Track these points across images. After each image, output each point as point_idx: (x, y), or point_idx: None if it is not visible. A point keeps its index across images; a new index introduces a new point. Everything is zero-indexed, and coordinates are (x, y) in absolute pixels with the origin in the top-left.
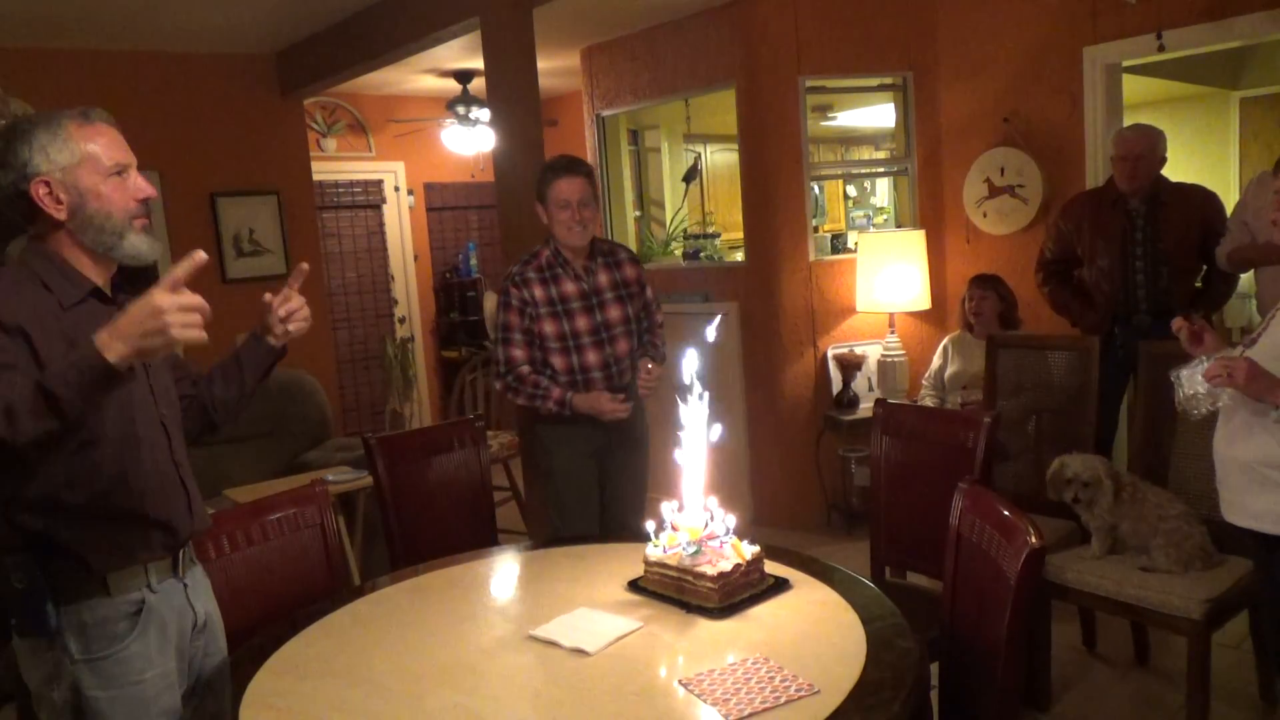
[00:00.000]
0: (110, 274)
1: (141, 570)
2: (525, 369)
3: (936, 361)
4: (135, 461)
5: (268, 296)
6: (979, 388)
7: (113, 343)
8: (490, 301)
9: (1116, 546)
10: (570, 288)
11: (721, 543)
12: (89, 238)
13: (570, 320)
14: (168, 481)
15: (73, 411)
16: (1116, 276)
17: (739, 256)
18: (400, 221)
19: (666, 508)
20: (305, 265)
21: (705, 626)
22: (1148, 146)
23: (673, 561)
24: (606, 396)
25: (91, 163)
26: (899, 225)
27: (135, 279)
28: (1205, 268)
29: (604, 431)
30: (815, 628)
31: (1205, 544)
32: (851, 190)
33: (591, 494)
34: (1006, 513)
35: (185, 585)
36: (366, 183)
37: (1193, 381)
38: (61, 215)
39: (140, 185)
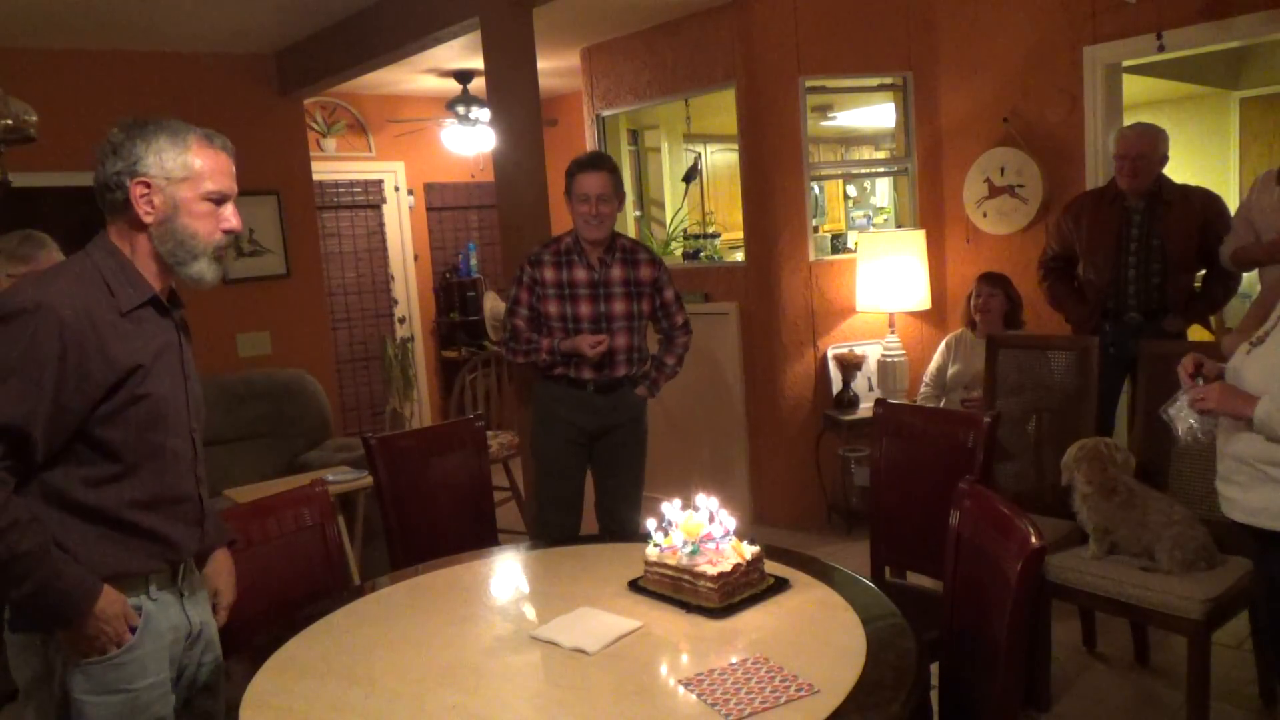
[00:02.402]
0: (168, 285)
1: (141, 580)
2: (523, 331)
3: (937, 360)
4: (158, 471)
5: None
6: (980, 387)
7: (98, 616)
8: (490, 301)
9: (1116, 547)
10: (581, 275)
11: (718, 544)
12: (166, 248)
13: (574, 305)
14: (185, 497)
15: (17, 588)
16: (1108, 273)
17: (739, 256)
18: (400, 221)
19: (667, 507)
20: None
21: (705, 626)
22: (1149, 145)
23: (673, 561)
24: (585, 339)
25: (197, 182)
26: (899, 225)
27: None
28: (1205, 269)
29: (587, 416)
30: (815, 628)
31: (1209, 545)
32: (851, 190)
33: (573, 483)
34: (1006, 513)
35: (182, 595)
36: (366, 183)
37: (1182, 415)
38: (149, 219)
39: (230, 217)
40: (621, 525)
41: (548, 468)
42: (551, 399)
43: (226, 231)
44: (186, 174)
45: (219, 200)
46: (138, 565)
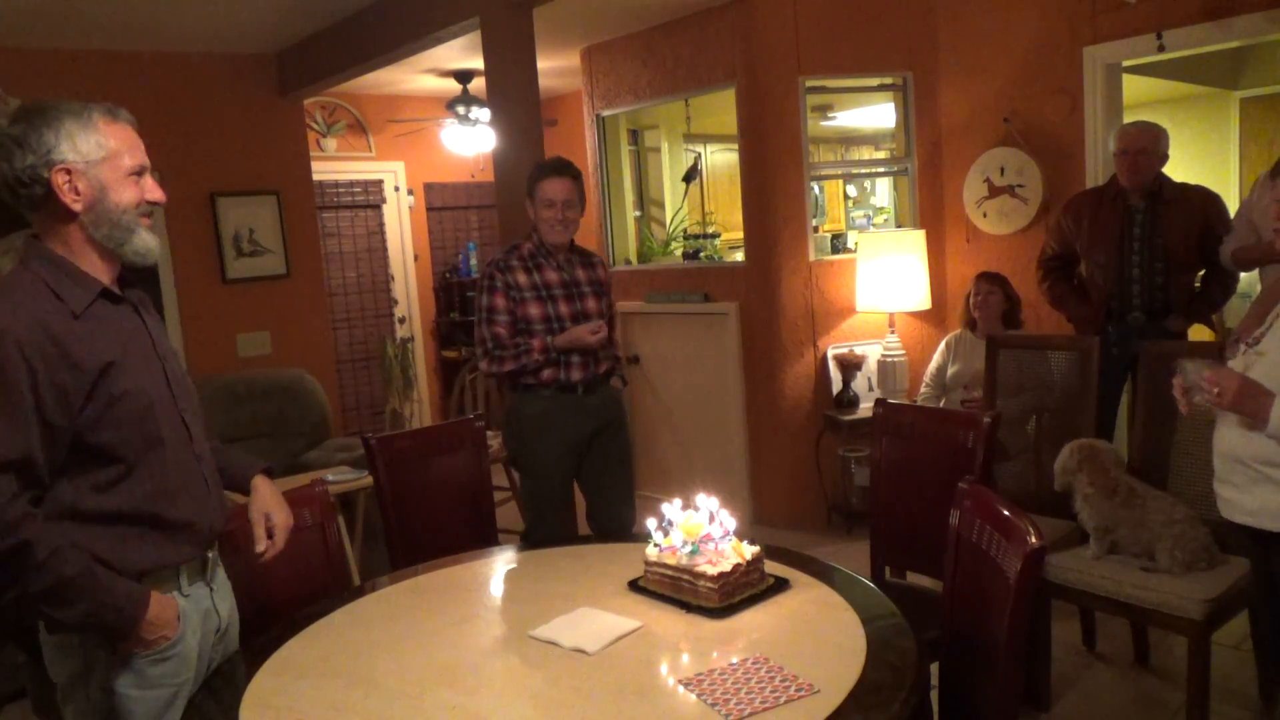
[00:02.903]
0: (116, 271)
1: (173, 573)
2: (505, 337)
3: (937, 361)
4: (160, 462)
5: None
6: (980, 387)
7: (151, 621)
8: None
9: (1116, 547)
10: (553, 276)
11: (716, 544)
12: (102, 232)
13: (554, 305)
14: (191, 479)
15: (64, 612)
16: (1112, 272)
17: (739, 256)
18: (400, 221)
19: (667, 507)
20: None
21: (705, 626)
22: (1150, 141)
23: (673, 561)
24: (583, 328)
25: (114, 160)
26: (899, 225)
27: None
28: (1204, 269)
29: (581, 420)
30: (815, 628)
31: (1210, 545)
32: (851, 190)
33: (568, 491)
34: (1006, 513)
35: (211, 589)
36: (366, 183)
37: (1199, 374)
38: (77, 207)
39: (153, 189)
40: (622, 524)
41: (544, 479)
42: (541, 410)
43: (151, 203)
44: (104, 154)
45: (139, 173)
46: (164, 558)
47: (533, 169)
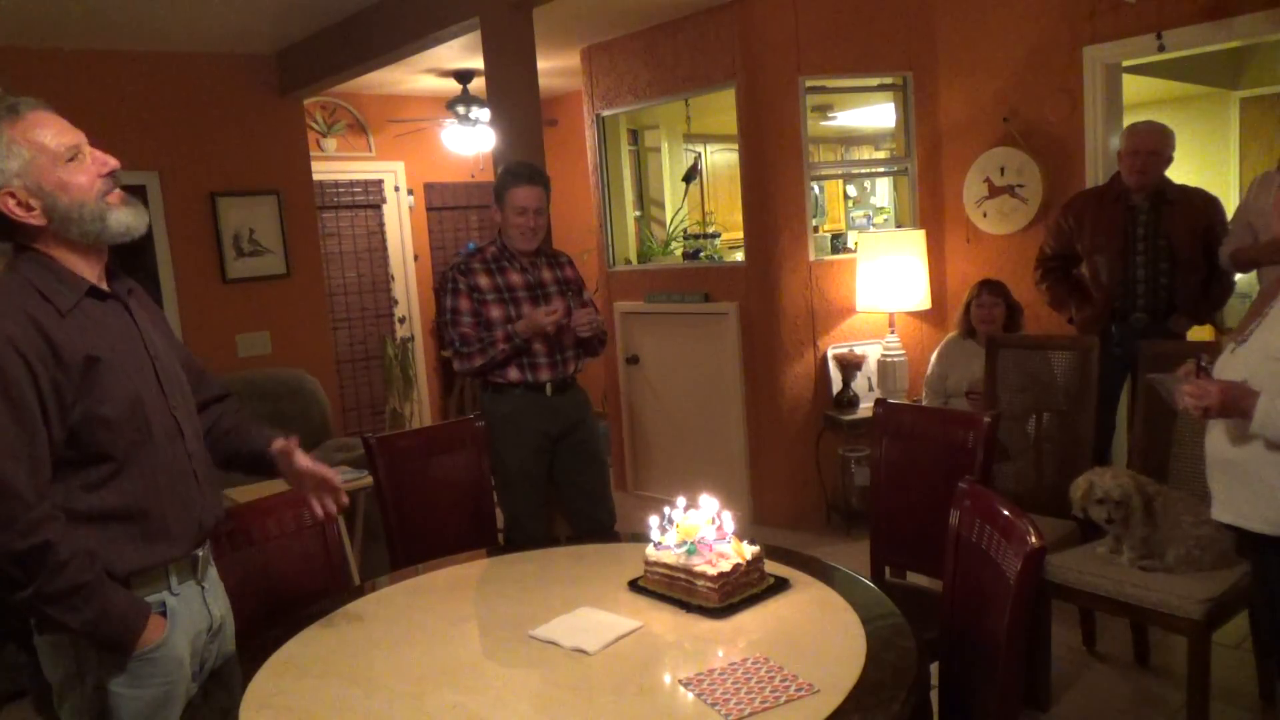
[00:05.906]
0: (102, 264)
1: (162, 572)
2: (472, 335)
3: (936, 368)
4: (150, 460)
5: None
6: (978, 391)
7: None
8: None
9: (1120, 543)
10: (516, 278)
11: (712, 545)
12: (74, 232)
13: (516, 307)
14: (182, 477)
15: (71, 617)
16: (1116, 273)
17: (739, 256)
18: (400, 221)
19: (668, 508)
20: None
21: (705, 626)
22: (1160, 143)
23: (673, 561)
24: (539, 311)
25: (41, 157)
26: (899, 225)
27: (126, 254)
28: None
29: (549, 420)
30: (815, 628)
31: (1229, 549)
32: (851, 190)
33: (542, 490)
34: (1006, 513)
35: (203, 588)
36: (366, 183)
37: (1179, 391)
38: (38, 220)
39: (101, 159)
40: (600, 522)
41: (518, 478)
42: (512, 410)
43: (106, 175)
44: (25, 159)
45: (74, 156)
46: (154, 557)
47: (502, 174)
